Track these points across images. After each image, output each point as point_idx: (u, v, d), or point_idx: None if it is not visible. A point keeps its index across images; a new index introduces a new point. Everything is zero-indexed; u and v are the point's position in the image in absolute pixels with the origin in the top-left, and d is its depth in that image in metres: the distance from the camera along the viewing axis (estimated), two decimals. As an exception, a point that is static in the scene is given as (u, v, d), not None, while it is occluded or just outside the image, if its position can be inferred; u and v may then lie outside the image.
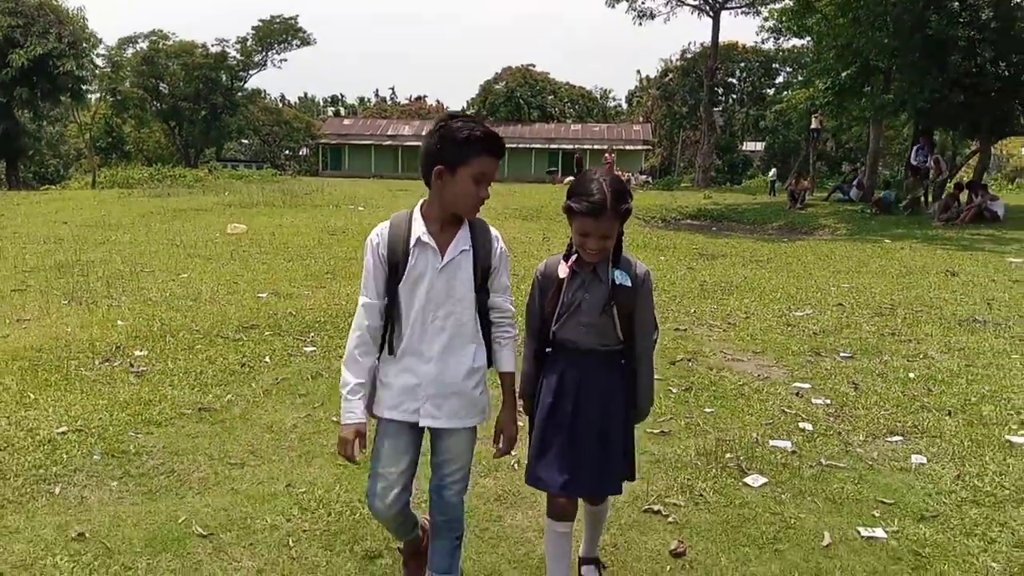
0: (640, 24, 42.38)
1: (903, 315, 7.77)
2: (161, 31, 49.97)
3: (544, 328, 2.60)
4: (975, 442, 4.40)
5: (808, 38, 26.18)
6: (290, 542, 3.18)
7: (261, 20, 51.68)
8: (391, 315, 2.49)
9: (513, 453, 2.85)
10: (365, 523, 3.30)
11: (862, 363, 6.06)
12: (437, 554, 2.62)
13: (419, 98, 73.55)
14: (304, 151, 62.87)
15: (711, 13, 39.35)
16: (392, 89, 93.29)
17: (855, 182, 25.74)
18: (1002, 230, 16.21)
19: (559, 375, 2.59)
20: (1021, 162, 48.80)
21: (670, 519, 3.47)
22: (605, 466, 2.58)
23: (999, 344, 6.59)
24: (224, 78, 52.48)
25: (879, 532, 3.37)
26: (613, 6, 38.78)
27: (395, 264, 2.44)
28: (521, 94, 56.73)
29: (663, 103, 55.30)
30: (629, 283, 2.52)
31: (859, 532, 3.37)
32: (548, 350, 2.64)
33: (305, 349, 6.04)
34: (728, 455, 4.17)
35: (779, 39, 30.54)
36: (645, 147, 54.06)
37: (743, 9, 38.76)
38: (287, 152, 64.27)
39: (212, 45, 51.50)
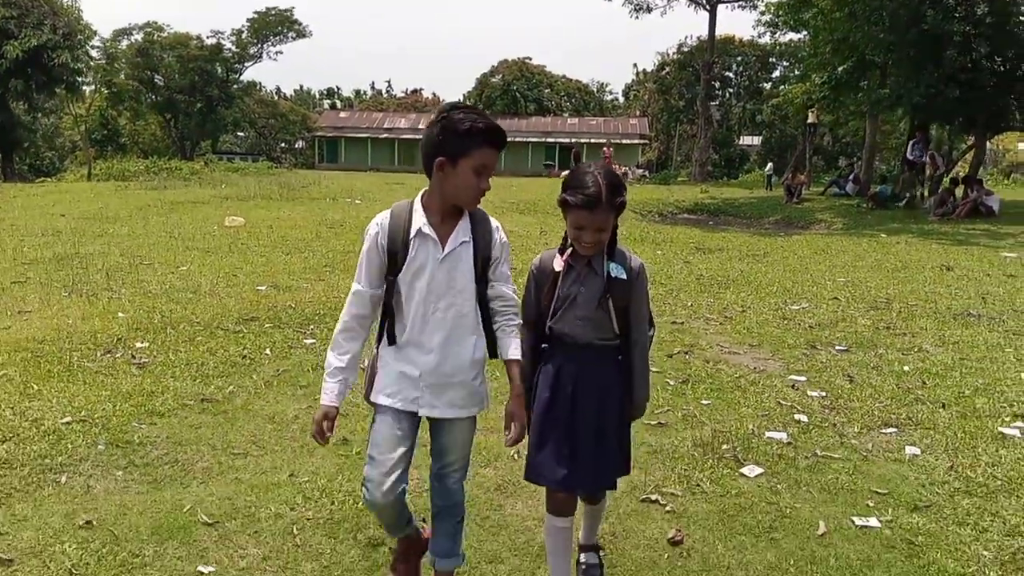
0: (637, 17, 42.58)
1: (898, 309, 7.84)
2: (156, 23, 50.03)
3: (540, 322, 2.61)
4: (968, 434, 4.47)
5: (804, 32, 26.22)
6: (294, 530, 3.23)
7: (256, 12, 51.74)
8: (390, 306, 2.50)
9: (506, 445, 2.87)
10: (368, 512, 3.34)
11: (857, 356, 6.12)
12: (440, 537, 2.67)
13: (415, 91, 73.53)
14: (300, 144, 62.80)
15: (708, 7, 39.41)
16: (388, 82, 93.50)
17: (851, 177, 25.87)
18: (997, 225, 16.30)
19: (556, 369, 2.60)
20: (1017, 157, 48.90)
21: (668, 508, 3.52)
22: (602, 461, 2.59)
23: (993, 338, 6.66)
24: (219, 70, 52.44)
25: (873, 521, 3.43)
26: (610, -1, 38.78)
27: (394, 254, 2.44)
28: (518, 87, 56.76)
29: (660, 97, 55.38)
30: (624, 276, 2.53)
31: (853, 521, 3.43)
32: (544, 345, 2.65)
33: (305, 341, 6.08)
34: (725, 446, 4.22)
35: (776, 33, 30.59)
36: (642, 141, 54.12)
37: (740, 3, 38.87)
38: (283, 145, 64.23)
39: (207, 37, 51.56)
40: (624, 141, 50.98)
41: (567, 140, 50.95)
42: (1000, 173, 41.51)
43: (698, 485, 3.76)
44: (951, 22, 17.77)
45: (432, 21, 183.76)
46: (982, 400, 5.04)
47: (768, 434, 4.42)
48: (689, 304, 7.98)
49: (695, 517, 3.46)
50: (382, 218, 2.49)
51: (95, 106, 47.42)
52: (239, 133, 65.24)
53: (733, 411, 4.83)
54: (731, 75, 53.76)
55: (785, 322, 7.25)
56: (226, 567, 2.96)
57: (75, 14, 36.15)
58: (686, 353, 6.11)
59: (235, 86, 54.43)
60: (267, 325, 6.54)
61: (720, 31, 42.91)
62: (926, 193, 20.47)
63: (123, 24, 57.83)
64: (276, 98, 71.77)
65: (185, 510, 3.35)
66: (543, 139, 52.85)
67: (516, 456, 3.88)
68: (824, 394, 5.19)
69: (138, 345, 5.84)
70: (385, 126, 56.71)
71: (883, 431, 4.53)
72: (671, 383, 5.33)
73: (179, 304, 7.23)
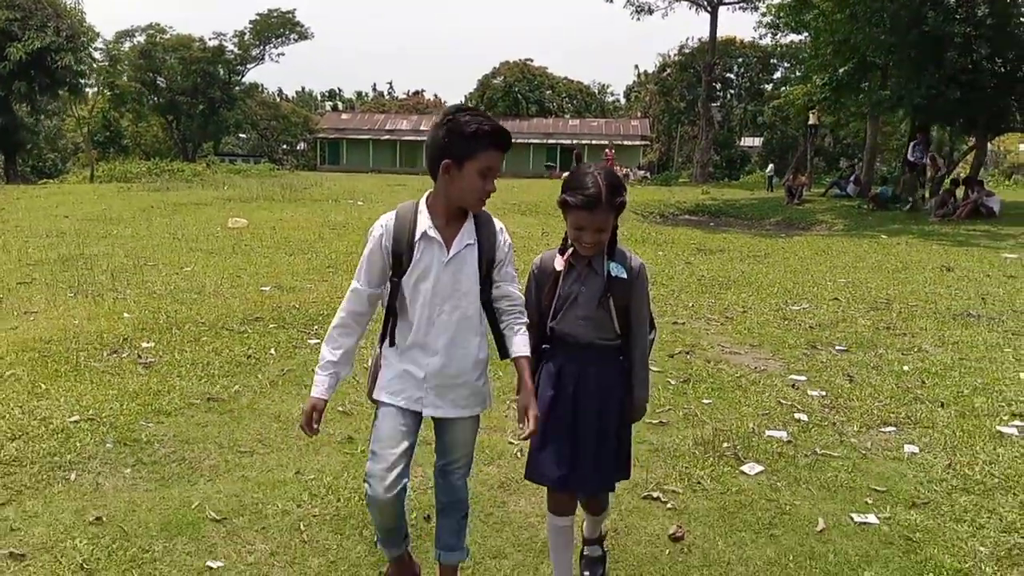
0: (638, 19, 42.59)
1: (898, 309, 7.88)
2: (158, 24, 49.99)
3: (541, 322, 2.63)
4: (966, 432, 4.51)
5: (805, 34, 26.25)
6: (301, 526, 3.28)
7: (259, 14, 51.71)
8: (394, 306, 2.51)
9: (522, 438, 2.89)
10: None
11: (857, 356, 6.17)
12: (444, 532, 2.71)
13: (417, 92, 73.56)
14: (302, 145, 62.90)
15: (709, 8, 39.46)
16: (390, 84, 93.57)
17: (852, 178, 25.89)
18: (998, 226, 16.33)
19: (558, 369, 2.62)
20: (1018, 158, 48.94)
21: (669, 505, 3.57)
22: (601, 462, 2.61)
23: (992, 338, 6.70)
24: (222, 72, 52.47)
25: (871, 518, 3.48)
26: (611, 1, 38.95)
27: (399, 256, 2.46)
28: (519, 89, 56.79)
29: (661, 98, 55.35)
30: (624, 275, 2.56)
31: (852, 518, 3.48)
32: (546, 346, 2.66)
33: (309, 341, 6.13)
34: (725, 444, 4.27)
35: (777, 34, 30.59)
36: (643, 142, 54.15)
37: (741, 4, 38.90)
38: (285, 146, 64.31)
39: (209, 39, 51.56)
40: (625, 142, 51.02)
41: (568, 141, 50.96)
42: (1001, 174, 41.55)
43: (699, 482, 3.81)
44: (952, 23, 17.80)
45: (433, 22, 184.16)
46: (981, 399, 5.08)
47: (768, 433, 4.47)
48: (690, 305, 8.02)
49: (696, 514, 3.50)
50: (387, 220, 2.50)
51: (98, 108, 47.52)
52: (241, 135, 65.32)
53: (734, 410, 4.88)
54: (732, 76, 53.72)
55: (786, 322, 7.29)
56: (235, 562, 3.01)
57: (78, 16, 36.18)
58: (687, 353, 6.16)
59: (237, 88, 54.49)
60: (271, 325, 6.59)
61: (721, 32, 42.99)
62: (927, 195, 20.50)
63: (126, 26, 57.92)
64: (278, 100, 71.85)
65: (193, 507, 3.41)
66: (544, 140, 52.88)
67: (519, 454, 3.93)
68: (824, 393, 5.23)
69: (144, 345, 5.90)
70: (387, 128, 56.76)
71: (882, 430, 4.58)
72: (672, 383, 5.38)
73: (184, 305, 7.28)
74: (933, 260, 11.54)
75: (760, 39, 36.93)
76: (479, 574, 2.99)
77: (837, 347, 6.42)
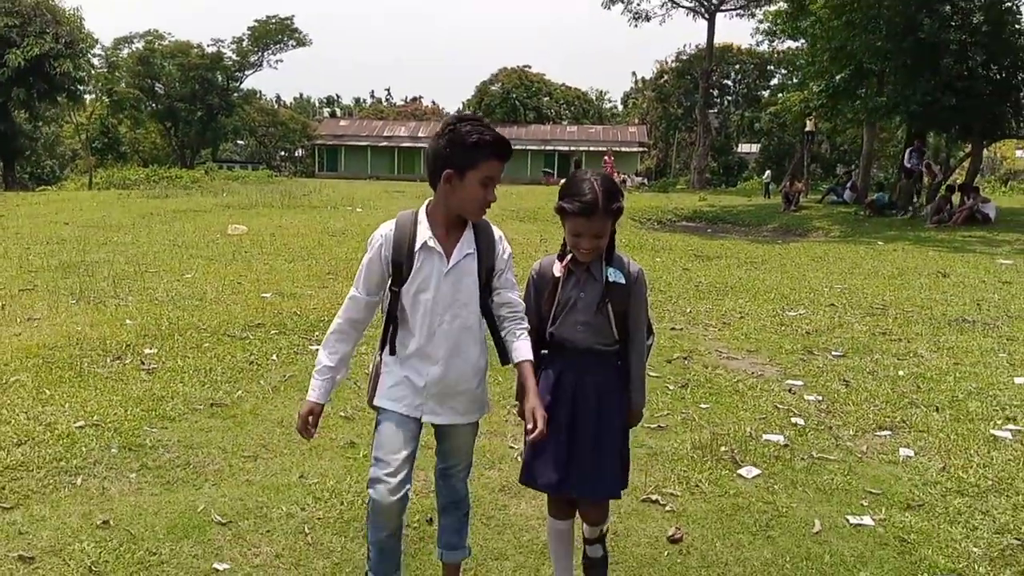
0: (636, 26, 42.70)
1: (894, 315, 7.94)
2: (157, 31, 50.17)
3: (540, 328, 2.65)
4: (961, 436, 4.57)
5: (802, 40, 26.37)
6: (305, 529, 3.33)
7: (257, 20, 51.89)
8: (395, 315, 2.54)
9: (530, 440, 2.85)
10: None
11: (853, 361, 6.23)
12: (446, 531, 2.76)
13: (415, 99, 73.78)
14: (300, 152, 62.92)
15: (706, 15, 39.59)
16: (388, 90, 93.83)
17: (849, 184, 25.97)
18: (993, 232, 16.43)
19: (557, 375, 2.64)
20: (1014, 165, 49.09)
21: (667, 508, 3.62)
22: (598, 468, 2.63)
23: (987, 343, 6.76)
24: (220, 78, 52.59)
25: (867, 520, 3.53)
26: (609, 7, 39.10)
27: (399, 265, 2.48)
28: (517, 95, 56.87)
29: (658, 105, 55.55)
30: (623, 280, 2.59)
31: (848, 520, 3.53)
32: (544, 351, 2.69)
33: (310, 347, 6.17)
34: (723, 448, 4.32)
35: (773, 41, 30.81)
36: (641, 149, 54.25)
37: (738, 11, 39.04)
38: (283, 153, 64.33)
39: (208, 45, 51.69)
40: (623, 149, 51.11)
41: (566, 148, 51.15)
42: (997, 180, 41.65)
43: (697, 485, 3.87)
44: (947, 30, 17.93)
45: (430, 28, 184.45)
46: (975, 403, 5.14)
47: (765, 436, 4.52)
48: (688, 310, 8.08)
49: (694, 516, 3.56)
50: (387, 229, 2.52)
51: (96, 114, 47.57)
52: (239, 141, 65.38)
53: (731, 414, 4.94)
54: (729, 83, 53.96)
55: (782, 328, 7.36)
56: (240, 564, 3.06)
57: (77, 23, 36.19)
58: (685, 358, 6.22)
59: (235, 94, 54.59)
60: (273, 331, 6.64)
61: (718, 39, 43.07)
62: (923, 201, 20.61)
63: (124, 32, 58.10)
64: (276, 106, 71.92)
65: (199, 510, 3.45)
66: (542, 147, 53.00)
67: (519, 458, 3.96)
68: (820, 398, 5.29)
69: (147, 351, 5.94)
70: (385, 134, 56.87)
71: (878, 434, 4.64)
72: (671, 388, 5.44)
73: (185, 311, 7.33)
74: (929, 266, 11.61)
75: (757, 46, 37.30)
76: (481, 575, 3.04)
77: (833, 352, 6.48)
